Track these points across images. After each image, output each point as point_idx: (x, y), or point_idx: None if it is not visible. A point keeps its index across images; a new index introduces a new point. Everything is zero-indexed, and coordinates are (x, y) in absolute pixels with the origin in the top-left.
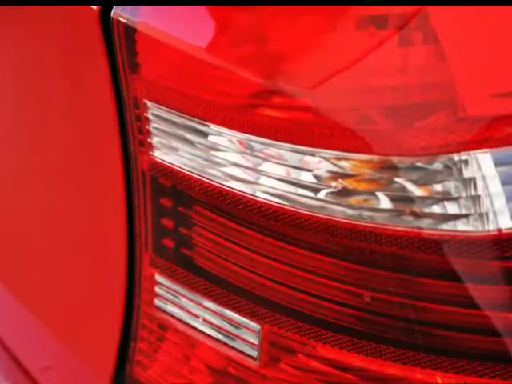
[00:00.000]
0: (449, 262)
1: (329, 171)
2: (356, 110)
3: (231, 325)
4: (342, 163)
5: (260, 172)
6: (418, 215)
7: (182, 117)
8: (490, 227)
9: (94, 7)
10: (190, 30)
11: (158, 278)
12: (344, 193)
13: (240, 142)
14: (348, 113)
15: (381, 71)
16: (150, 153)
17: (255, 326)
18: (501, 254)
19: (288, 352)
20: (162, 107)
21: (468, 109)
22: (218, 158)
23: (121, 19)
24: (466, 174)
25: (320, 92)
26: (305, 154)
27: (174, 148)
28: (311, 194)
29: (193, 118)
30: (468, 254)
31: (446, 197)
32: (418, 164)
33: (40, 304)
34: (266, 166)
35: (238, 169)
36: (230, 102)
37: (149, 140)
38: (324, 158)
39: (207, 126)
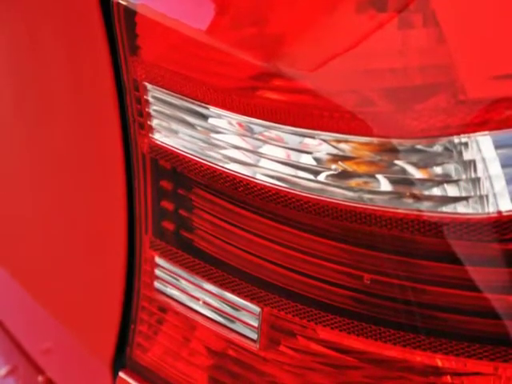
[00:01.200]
0: (449, 244)
1: (329, 153)
2: (356, 92)
3: (231, 307)
4: (342, 145)
5: (260, 154)
6: (418, 197)
7: (182, 99)
8: (490, 210)
9: None
10: (190, 12)
11: (158, 260)
12: (344, 175)
13: (240, 125)
14: (348, 95)
15: (381, 53)
16: (150, 135)
17: (255, 308)
18: (501, 236)
19: (288, 334)
20: (162, 90)
21: (468, 91)
22: (218, 140)
23: (121, 1)
24: (466, 156)
25: (320, 74)
26: (305, 136)
27: (174, 130)
28: (311, 177)
29: (193, 101)
30: (468, 236)
31: (446, 179)
32: (418, 146)
33: (41, 287)
34: (265, 149)
35: (238, 151)
36: (230, 85)
37: (149, 122)
38: (324, 141)
39: (207, 108)
